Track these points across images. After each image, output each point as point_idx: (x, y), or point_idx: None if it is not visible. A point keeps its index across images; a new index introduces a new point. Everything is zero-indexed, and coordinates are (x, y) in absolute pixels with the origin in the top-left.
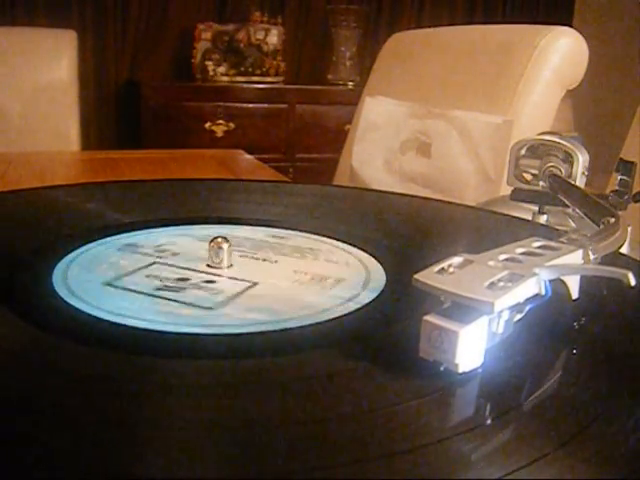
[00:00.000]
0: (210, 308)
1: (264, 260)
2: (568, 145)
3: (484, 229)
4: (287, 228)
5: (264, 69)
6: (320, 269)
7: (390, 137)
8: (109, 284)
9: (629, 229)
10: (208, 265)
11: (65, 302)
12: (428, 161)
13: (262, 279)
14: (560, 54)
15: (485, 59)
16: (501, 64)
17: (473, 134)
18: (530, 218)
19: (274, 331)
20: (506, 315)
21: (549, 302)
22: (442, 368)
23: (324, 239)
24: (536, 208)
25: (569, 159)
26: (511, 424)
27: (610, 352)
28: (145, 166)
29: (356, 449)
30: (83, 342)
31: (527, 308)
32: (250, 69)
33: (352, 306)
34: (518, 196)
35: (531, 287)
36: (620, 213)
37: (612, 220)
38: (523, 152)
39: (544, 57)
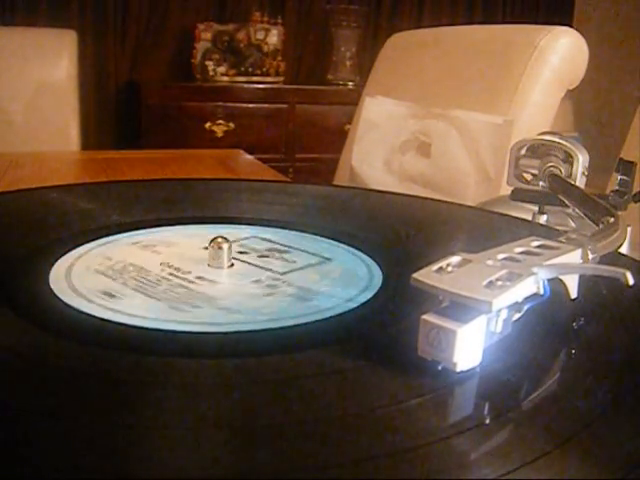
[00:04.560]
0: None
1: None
2: (568, 145)
3: (484, 229)
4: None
5: (264, 69)
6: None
7: (390, 137)
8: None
9: (629, 229)
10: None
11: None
12: (428, 161)
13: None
14: (560, 54)
15: (485, 59)
16: (501, 64)
17: (473, 134)
18: (530, 218)
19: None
20: (504, 314)
21: (548, 301)
22: (440, 367)
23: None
24: (536, 208)
25: (569, 159)
26: (509, 423)
27: (609, 351)
28: (145, 166)
29: (354, 448)
30: (83, 341)
31: (525, 307)
32: (250, 69)
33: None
34: (518, 196)
35: (529, 286)
36: (620, 213)
37: (611, 220)
38: (523, 152)
39: (544, 57)
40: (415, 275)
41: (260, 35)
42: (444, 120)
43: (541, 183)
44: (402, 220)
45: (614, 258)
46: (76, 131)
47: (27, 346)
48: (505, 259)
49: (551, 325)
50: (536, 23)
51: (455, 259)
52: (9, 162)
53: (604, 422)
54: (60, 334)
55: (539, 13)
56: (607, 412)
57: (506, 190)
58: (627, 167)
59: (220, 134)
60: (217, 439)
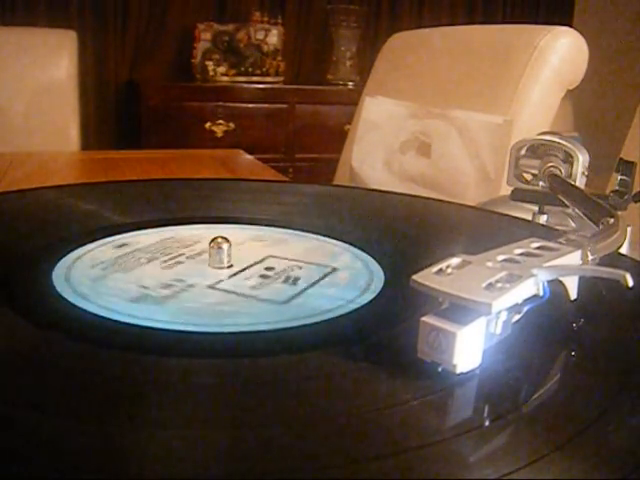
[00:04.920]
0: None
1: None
2: (568, 145)
3: (484, 229)
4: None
5: (264, 69)
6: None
7: (390, 137)
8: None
9: (628, 229)
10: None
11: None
12: (428, 161)
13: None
14: (560, 54)
15: (485, 59)
16: (501, 64)
17: (473, 134)
18: (530, 218)
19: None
20: (504, 316)
21: (547, 303)
22: (440, 369)
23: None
24: (536, 208)
25: (569, 159)
26: (509, 425)
27: (609, 352)
28: (145, 166)
29: (354, 449)
30: (84, 340)
31: (525, 309)
32: (250, 69)
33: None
34: (518, 196)
35: (529, 288)
36: (620, 213)
37: (611, 220)
38: (523, 152)
39: (544, 57)
40: (415, 277)
41: (260, 35)
42: (444, 120)
43: (541, 183)
44: (403, 220)
45: (614, 258)
46: (76, 131)
47: (28, 345)
48: (505, 260)
49: (551, 326)
50: (536, 23)
51: (455, 261)
52: (9, 162)
53: (604, 423)
54: (61, 333)
55: (539, 13)
56: (607, 413)
57: (506, 190)
58: (627, 167)
59: (220, 134)
60: (217, 440)
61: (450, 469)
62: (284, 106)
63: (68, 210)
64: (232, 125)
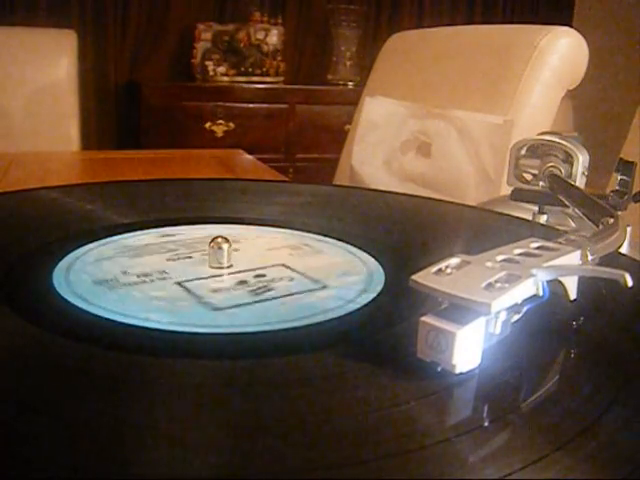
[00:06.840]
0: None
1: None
2: (568, 145)
3: (484, 229)
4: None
5: (264, 69)
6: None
7: (390, 137)
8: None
9: (628, 229)
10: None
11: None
12: (428, 161)
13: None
14: (560, 54)
15: (485, 59)
16: (501, 64)
17: (473, 134)
18: (530, 218)
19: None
20: (503, 316)
21: (547, 303)
22: (439, 369)
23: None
24: (536, 208)
25: (569, 159)
26: (509, 425)
27: (608, 353)
28: (145, 166)
29: (353, 450)
30: (83, 341)
31: (525, 309)
32: (250, 69)
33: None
34: (518, 196)
35: (528, 288)
36: (620, 213)
37: (611, 220)
38: (523, 152)
39: (544, 57)
40: (414, 277)
41: (260, 35)
42: (444, 120)
43: (541, 183)
44: (403, 220)
45: (614, 258)
46: (76, 131)
47: (28, 345)
48: (504, 261)
49: (550, 326)
50: (536, 23)
51: (454, 261)
52: (9, 162)
53: (604, 423)
54: (61, 333)
55: (539, 13)
56: (607, 413)
57: (506, 190)
58: (627, 167)
59: (220, 134)
60: (217, 440)
61: (450, 469)
62: (284, 106)
63: (68, 210)
64: (232, 125)
